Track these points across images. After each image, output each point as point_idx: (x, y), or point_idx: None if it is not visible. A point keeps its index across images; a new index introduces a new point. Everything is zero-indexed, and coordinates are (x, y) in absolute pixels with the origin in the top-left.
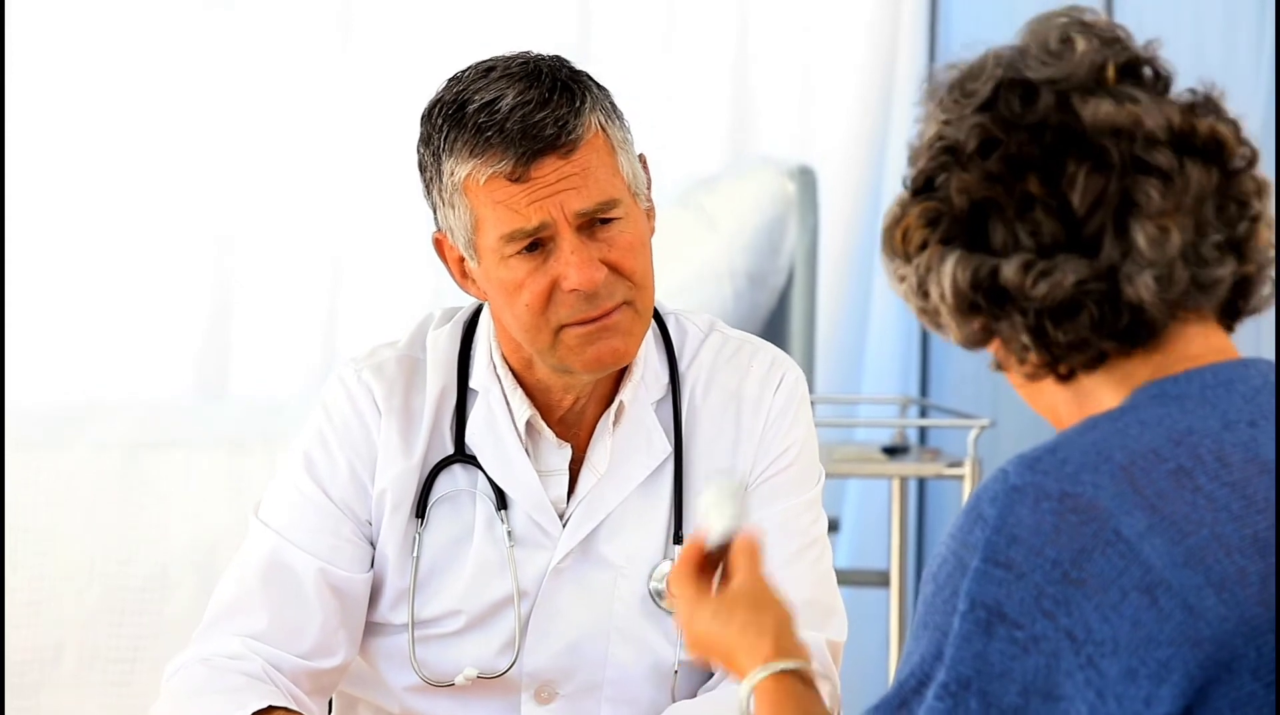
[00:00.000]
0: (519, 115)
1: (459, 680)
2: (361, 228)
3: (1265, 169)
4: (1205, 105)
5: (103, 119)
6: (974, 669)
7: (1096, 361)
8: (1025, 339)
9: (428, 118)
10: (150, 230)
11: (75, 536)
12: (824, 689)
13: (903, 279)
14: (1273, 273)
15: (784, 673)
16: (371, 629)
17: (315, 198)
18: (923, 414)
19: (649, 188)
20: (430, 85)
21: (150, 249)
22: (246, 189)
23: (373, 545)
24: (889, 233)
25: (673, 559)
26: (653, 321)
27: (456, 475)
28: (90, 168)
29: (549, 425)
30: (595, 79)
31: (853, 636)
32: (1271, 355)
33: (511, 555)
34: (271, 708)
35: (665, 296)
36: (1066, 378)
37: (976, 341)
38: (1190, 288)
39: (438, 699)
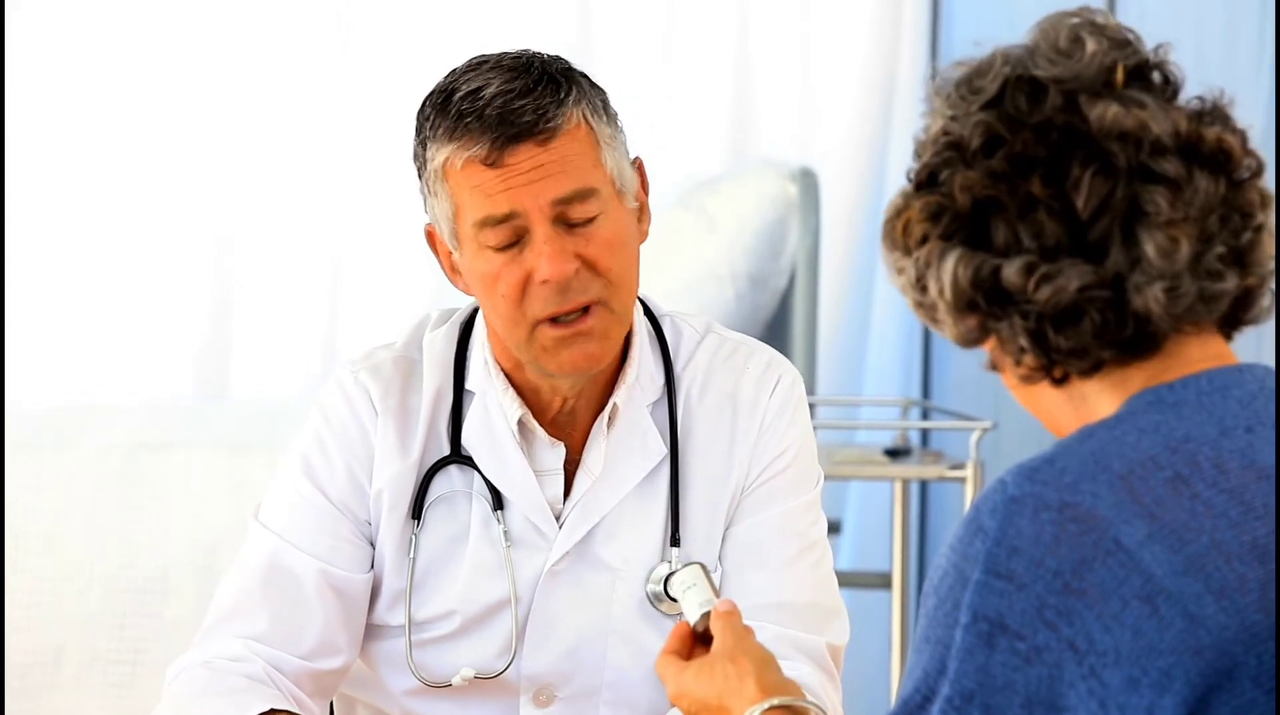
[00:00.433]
0: (499, 102)
1: (456, 681)
2: (361, 228)
3: (1266, 172)
4: (1213, 113)
5: (103, 119)
6: (977, 682)
7: (1093, 368)
8: (1023, 342)
9: (420, 109)
10: (150, 231)
11: (76, 538)
12: (829, 694)
13: (901, 272)
14: (1273, 283)
15: (773, 708)
16: (369, 631)
17: (315, 198)
18: (924, 416)
19: (645, 191)
20: (429, 86)
21: (150, 250)
22: (246, 189)
23: (372, 545)
24: (890, 224)
25: (669, 561)
26: (648, 323)
27: (453, 476)
28: (90, 168)
29: (542, 426)
30: (592, 79)
31: (854, 639)
32: (1272, 362)
33: (508, 556)
34: (273, 710)
35: (666, 298)
36: (1061, 381)
37: (972, 340)
38: (1197, 301)
39: (436, 702)
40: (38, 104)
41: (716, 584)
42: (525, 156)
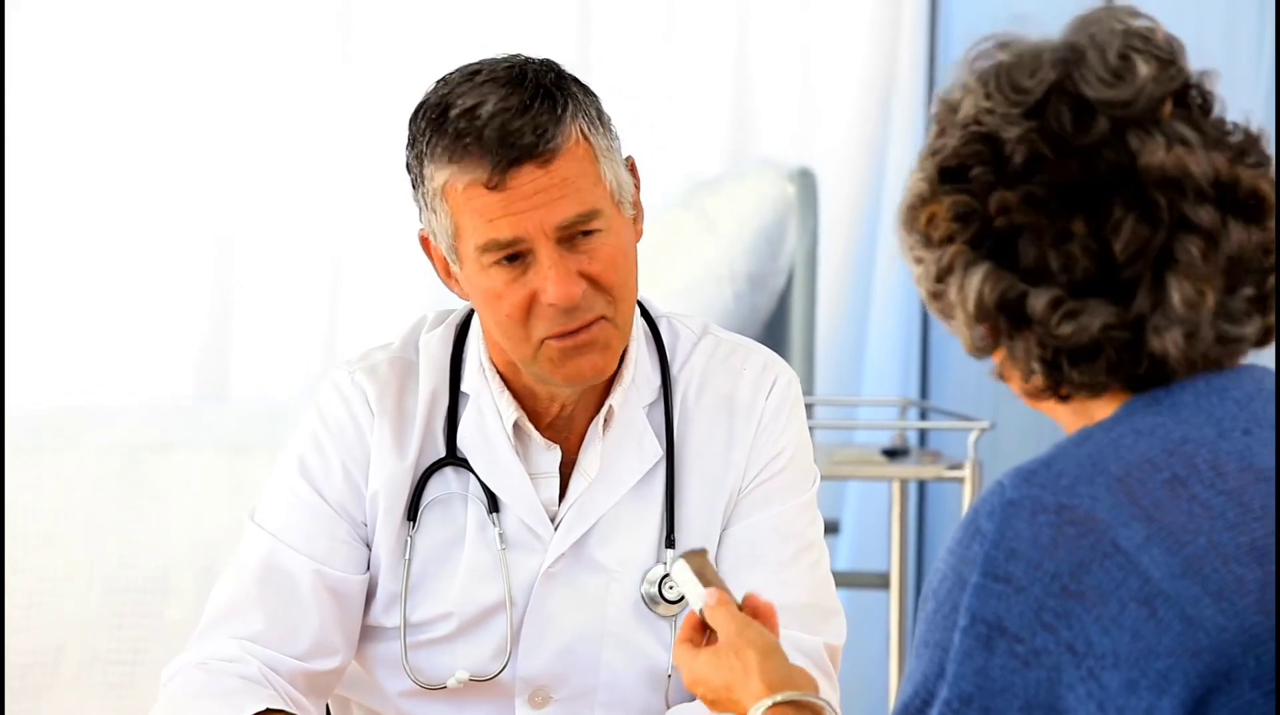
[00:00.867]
0: (498, 123)
1: (451, 683)
2: (361, 230)
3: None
4: (1249, 147)
5: (103, 120)
6: (976, 685)
7: (1099, 394)
8: (1035, 366)
9: (413, 120)
10: (150, 232)
11: (75, 539)
12: (827, 695)
13: (920, 262)
14: None
15: (778, 704)
16: (365, 633)
17: (315, 199)
18: (923, 416)
19: (637, 190)
20: (427, 87)
21: (150, 251)
22: (246, 191)
23: (368, 546)
24: (913, 210)
25: (664, 563)
26: (644, 324)
27: (448, 478)
28: (90, 170)
29: (539, 429)
30: (583, 84)
31: (853, 639)
32: (1272, 362)
33: (503, 559)
34: (269, 710)
35: (665, 298)
36: (1065, 399)
37: (983, 351)
38: (1213, 345)
39: (431, 703)
40: (38, 104)
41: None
42: (527, 179)
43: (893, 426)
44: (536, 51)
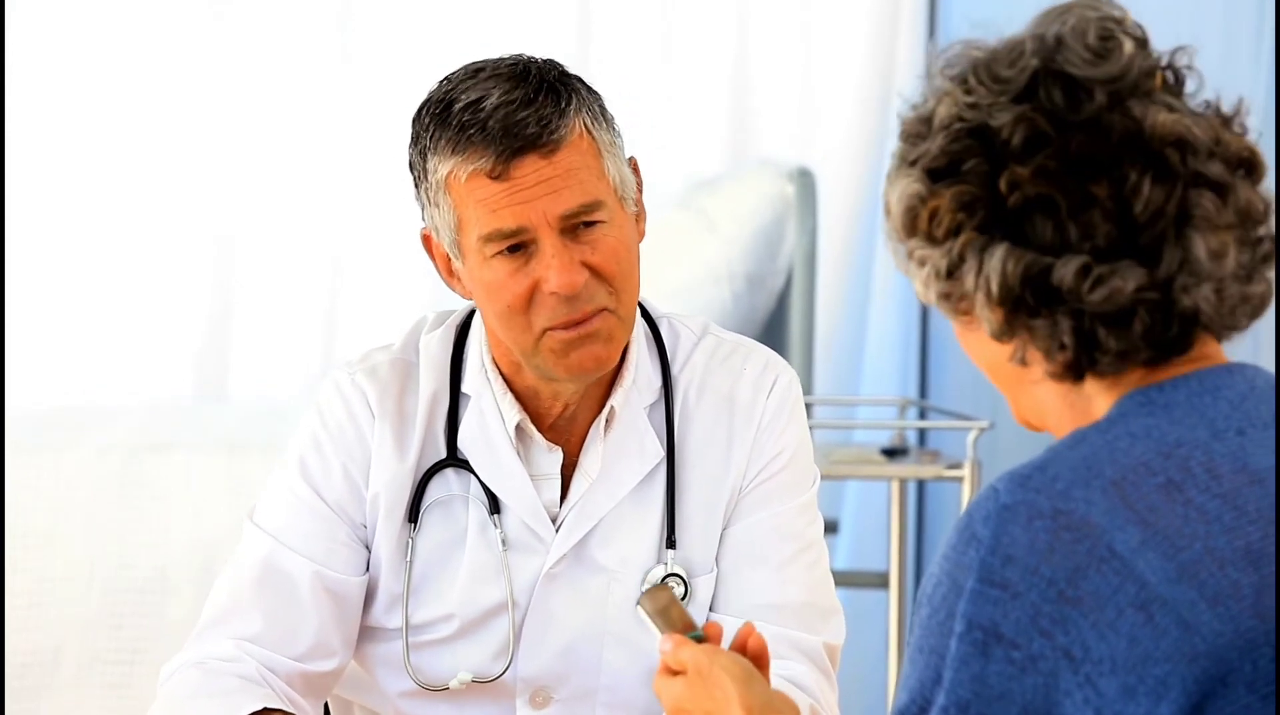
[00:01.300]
0: (502, 114)
1: (453, 684)
2: (361, 230)
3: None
4: (1231, 116)
5: (102, 121)
6: (973, 691)
7: (1126, 368)
8: (1067, 339)
9: (417, 117)
10: (150, 232)
11: (75, 539)
12: (825, 694)
13: (924, 262)
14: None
15: None
16: (366, 634)
17: (315, 199)
18: (922, 416)
19: (639, 191)
20: (428, 89)
21: (150, 251)
22: (246, 191)
23: (368, 548)
24: (911, 212)
25: (665, 563)
26: (645, 325)
27: (449, 479)
28: (90, 170)
29: (540, 431)
30: (586, 82)
31: (852, 638)
32: (1272, 360)
33: (505, 560)
34: (266, 710)
35: (664, 298)
36: (1080, 378)
37: (1006, 334)
38: (1240, 302)
39: (433, 704)
40: (38, 104)
41: (679, 594)
42: (531, 170)
43: (892, 426)
44: (536, 52)
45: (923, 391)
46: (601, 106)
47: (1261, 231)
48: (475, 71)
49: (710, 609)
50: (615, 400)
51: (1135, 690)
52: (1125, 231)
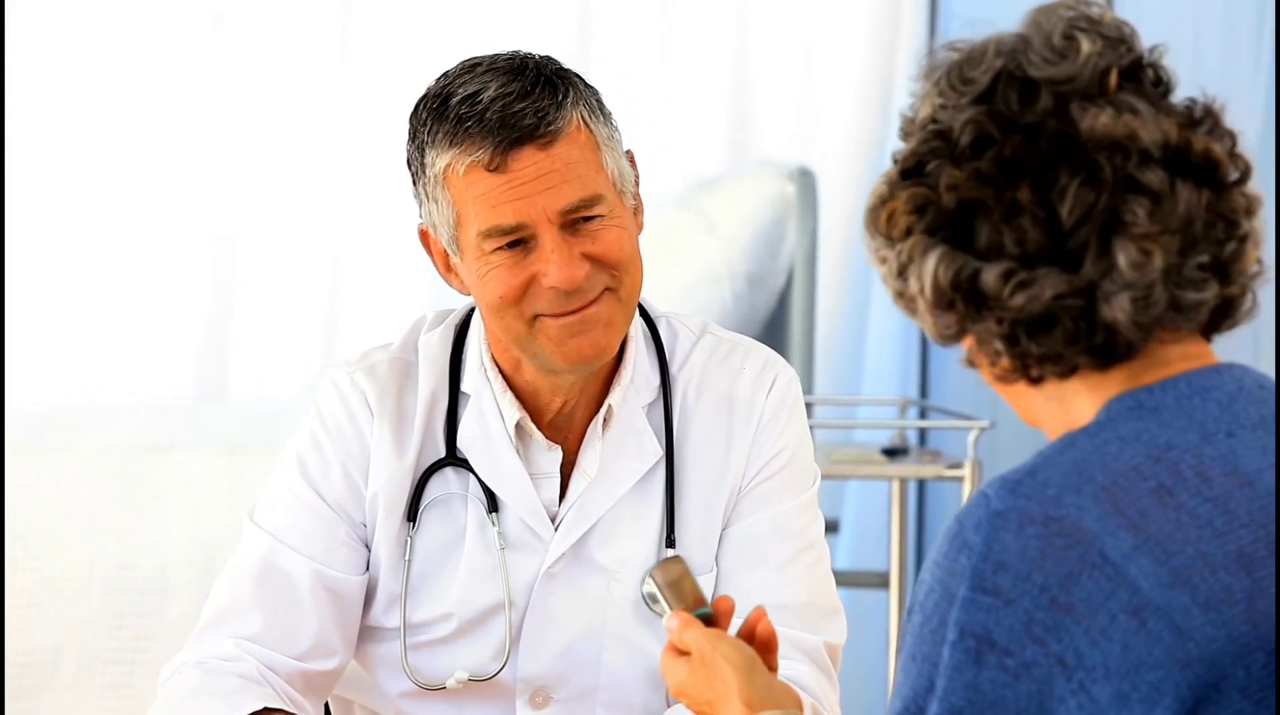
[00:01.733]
0: (499, 106)
1: (450, 683)
2: (361, 230)
3: (1264, 172)
4: (1204, 118)
5: (103, 120)
6: (966, 699)
7: (1069, 372)
8: (998, 345)
9: (414, 113)
10: (150, 232)
11: (75, 539)
12: (826, 694)
13: (884, 261)
14: (1257, 288)
15: None
16: (365, 633)
17: (315, 199)
18: (922, 415)
19: (637, 184)
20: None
21: (150, 251)
22: (246, 190)
23: (367, 547)
24: (874, 212)
25: (679, 557)
26: (644, 324)
27: (448, 478)
28: (90, 169)
29: (539, 428)
30: (584, 78)
31: (852, 638)
32: (1271, 360)
33: (503, 559)
34: (267, 709)
35: (664, 299)
36: (1037, 381)
37: (950, 336)
38: (1168, 310)
39: (432, 704)
40: (39, 105)
41: (690, 570)
42: (529, 162)
43: (892, 426)
44: (536, 51)
45: (923, 391)
46: (599, 100)
47: (1213, 244)
48: (472, 66)
49: None
50: (613, 399)
51: (1129, 697)
52: (1054, 237)
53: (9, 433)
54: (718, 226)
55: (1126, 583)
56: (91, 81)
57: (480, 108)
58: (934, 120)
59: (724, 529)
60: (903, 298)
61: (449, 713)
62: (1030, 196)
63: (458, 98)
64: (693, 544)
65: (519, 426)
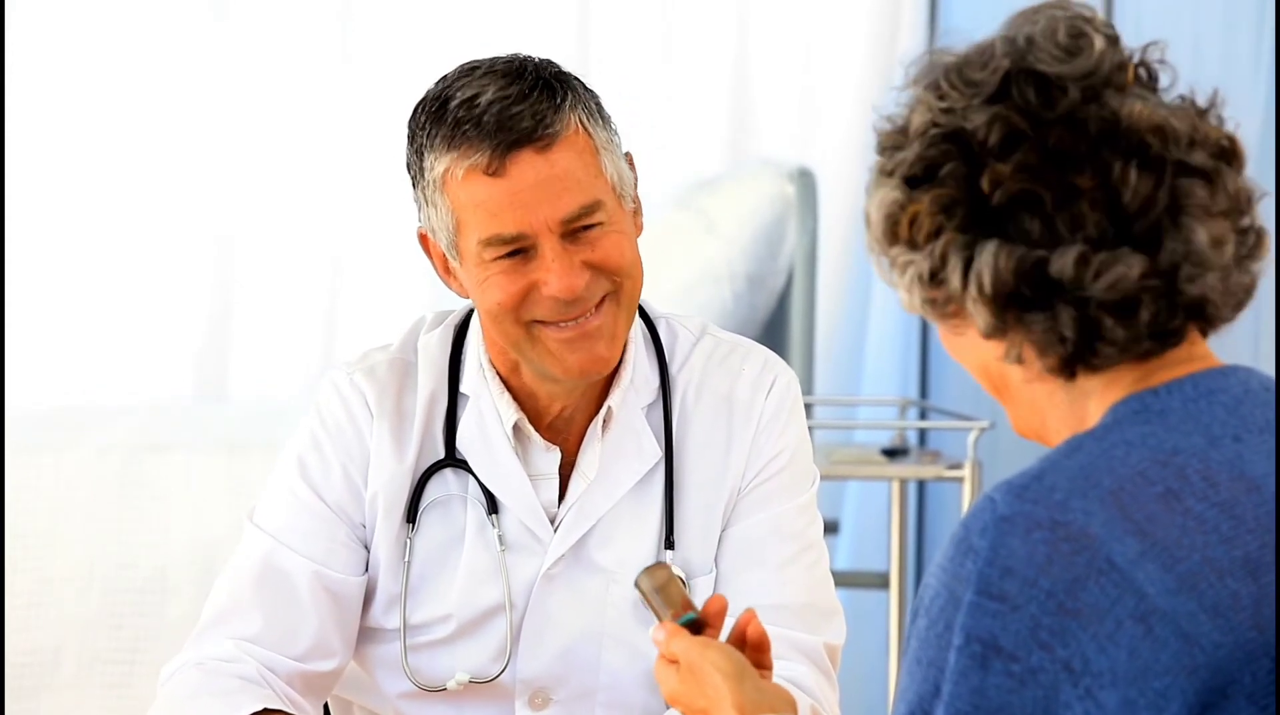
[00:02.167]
0: (497, 108)
1: (451, 685)
2: (361, 230)
3: (1265, 172)
4: (1208, 110)
5: (102, 121)
6: (972, 704)
7: (1125, 358)
8: (1068, 332)
9: (413, 116)
10: (150, 232)
11: (75, 539)
12: (826, 694)
13: (906, 268)
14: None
15: None
16: (365, 634)
17: (315, 199)
18: (922, 416)
19: (635, 186)
20: (427, 88)
21: (150, 251)
22: (246, 191)
23: (367, 548)
24: (891, 220)
25: (664, 564)
26: (643, 325)
27: (448, 479)
28: (90, 170)
29: (538, 430)
30: (584, 82)
31: (852, 638)
32: (1271, 360)
33: (503, 560)
34: (266, 710)
35: (664, 299)
36: (1072, 377)
37: (998, 331)
38: (1241, 291)
39: (431, 705)
40: (38, 104)
41: (675, 575)
42: (528, 167)
43: (892, 426)
44: (536, 52)
45: (923, 391)
46: (598, 104)
47: (1246, 221)
48: (470, 69)
49: None
50: (613, 401)
51: (1135, 703)
52: (1116, 221)
53: (9, 433)
54: (718, 226)
55: (1133, 589)
56: (91, 81)
57: (478, 111)
58: (936, 125)
59: (723, 530)
60: (935, 303)
61: (448, 714)
62: (1091, 182)
63: (456, 101)
64: (692, 545)
65: (517, 428)
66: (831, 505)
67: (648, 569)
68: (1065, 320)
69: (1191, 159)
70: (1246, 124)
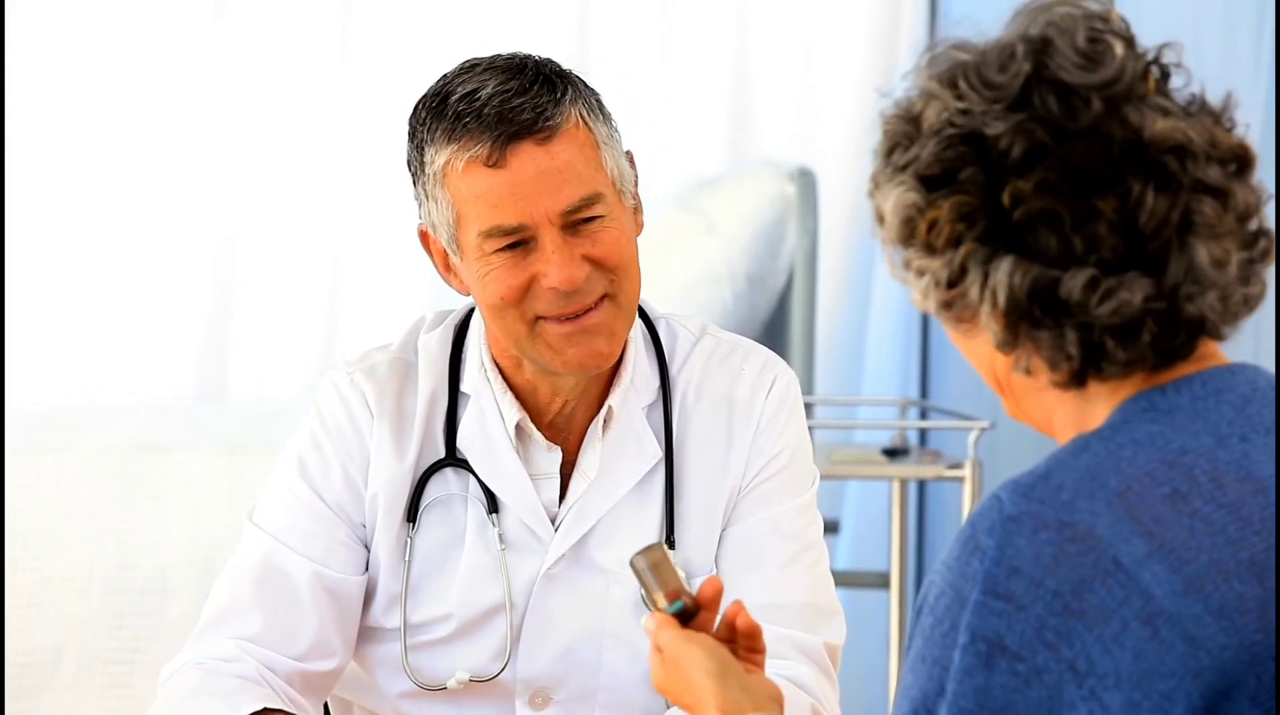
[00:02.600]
0: (497, 101)
1: (451, 684)
2: (361, 230)
3: (1265, 172)
4: (1221, 113)
5: (102, 120)
6: (976, 703)
7: (1131, 372)
8: (1073, 351)
9: (414, 113)
10: (150, 233)
11: (75, 539)
12: (826, 694)
13: (923, 272)
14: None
15: None
16: (365, 634)
17: (315, 199)
18: (923, 416)
19: (636, 184)
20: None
21: (150, 251)
22: (246, 191)
23: (367, 548)
24: (909, 223)
25: (659, 544)
26: (643, 326)
27: (448, 479)
28: (90, 170)
29: (539, 429)
30: (584, 79)
31: (852, 638)
32: (1272, 359)
33: (503, 560)
34: (266, 710)
35: (664, 299)
36: (1083, 385)
37: (1009, 345)
38: (1242, 305)
39: (431, 704)
40: (38, 104)
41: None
42: (528, 159)
43: (893, 426)
44: (536, 52)
45: (923, 391)
46: (599, 100)
47: (1254, 225)
48: (471, 66)
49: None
50: (613, 400)
51: (1140, 705)
52: (1131, 243)
53: (9, 433)
54: (718, 226)
55: (1139, 590)
56: (91, 81)
57: (478, 104)
58: (953, 124)
59: (723, 530)
60: (950, 308)
61: (449, 713)
62: (1112, 204)
63: (456, 95)
64: (692, 545)
65: (519, 427)
66: (832, 505)
67: (643, 548)
68: (1071, 340)
69: (1207, 177)
70: (1247, 125)
